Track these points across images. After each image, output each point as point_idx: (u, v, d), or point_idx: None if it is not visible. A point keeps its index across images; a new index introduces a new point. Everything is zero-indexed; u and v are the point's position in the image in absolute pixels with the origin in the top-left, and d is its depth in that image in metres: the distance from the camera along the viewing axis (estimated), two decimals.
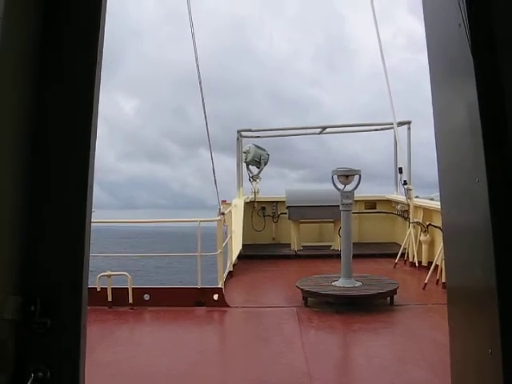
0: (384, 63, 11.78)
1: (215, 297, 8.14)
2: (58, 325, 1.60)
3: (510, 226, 1.62)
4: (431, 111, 2.07)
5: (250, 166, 13.96)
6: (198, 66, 8.39)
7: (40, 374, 1.58)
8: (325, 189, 12.03)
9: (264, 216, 13.94)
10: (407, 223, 11.66)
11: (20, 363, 1.58)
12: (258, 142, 14.03)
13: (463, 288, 1.97)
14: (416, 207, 11.29)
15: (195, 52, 8.29)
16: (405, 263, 11.23)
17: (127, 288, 8.04)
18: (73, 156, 1.67)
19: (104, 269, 8.20)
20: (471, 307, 1.89)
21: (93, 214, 1.77)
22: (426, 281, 9.01)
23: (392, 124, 12.35)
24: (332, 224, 13.00)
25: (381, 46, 11.96)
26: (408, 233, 11.25)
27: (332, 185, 8.75)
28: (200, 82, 8.54)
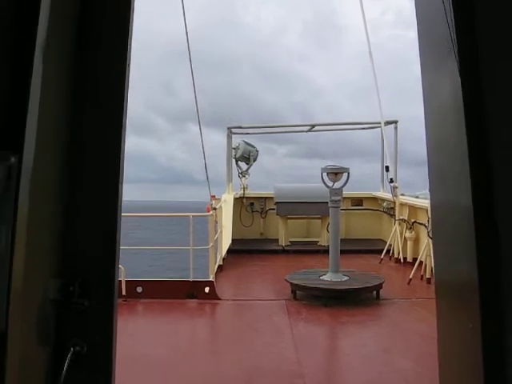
0: (372, 61, 11.97)
1: (206, 289, 8.33)
2: (94, 305, 1.80)
3: (491, 219, 1.81)
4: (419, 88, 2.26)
5: (240, 162, 14.15)
6: (188, 45, 8.09)
7: (78, 348, 1.79)
8: (312, 185, 12.24)
9: (252, 211, 14.13)
10: (393, 220, 11.91)
11: (60, 339, 1.78)
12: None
13: (449, 281, 2.17)
14: (402, 205, 11.53)
15: (185, 28, 7.95)
16: (390, 259, 11.49)
17: (120, 280, 8.19)
18: (105, 154, 1.88)
19: None
20: (457, 300, 2.08)
21: None
22: (410, 276, 9.27)
23: (379, 123, 12.61)
24: (319, 220, 13.23)
25: (368, 40, 12.05)
26: (393, 230, 11.50)
27: (320, 182, 9.00)
28: (191, 66, 8.34)
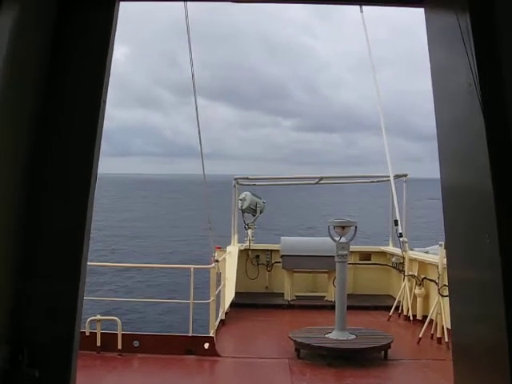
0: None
1: (206, 345, 7.99)
2: (46, 377, 1.55)
3: None
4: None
5: (246, 214, 13.94)
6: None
7: None
8: (319, 239, 12.00)
9: (258, 264, 13.80)
10: (402, 276, 11.57)
11: None
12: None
13: (471, 345, 1.93)
14: (411, 260, 11.23)
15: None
16: (399, 316, 11.09)
17: (116, 333, 7.89)
18: (71, 201, 1.67)
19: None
20: (480, 364, 1.85)
21: None
22: (420, 335, 8.89)
23: (389, 177, 12.42)
24: (326, 274, 12.87)
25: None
26: (403, 285, 11.16)
27: (327, 235, 8.78)
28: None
